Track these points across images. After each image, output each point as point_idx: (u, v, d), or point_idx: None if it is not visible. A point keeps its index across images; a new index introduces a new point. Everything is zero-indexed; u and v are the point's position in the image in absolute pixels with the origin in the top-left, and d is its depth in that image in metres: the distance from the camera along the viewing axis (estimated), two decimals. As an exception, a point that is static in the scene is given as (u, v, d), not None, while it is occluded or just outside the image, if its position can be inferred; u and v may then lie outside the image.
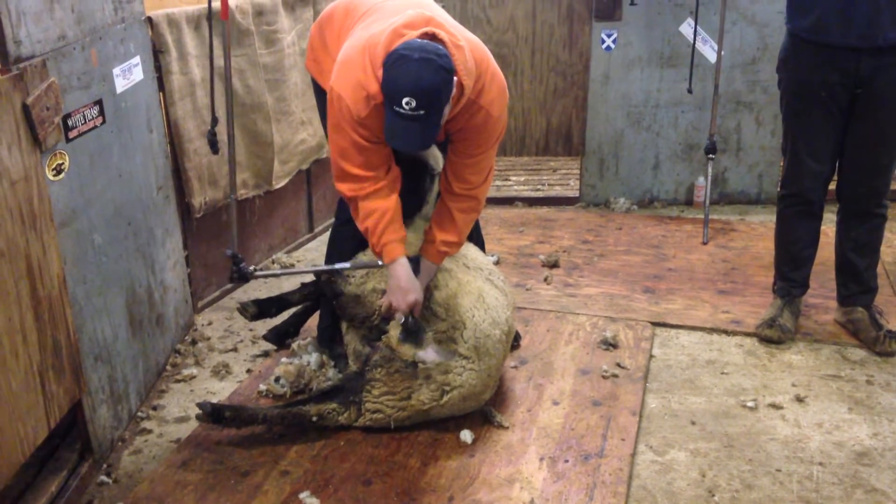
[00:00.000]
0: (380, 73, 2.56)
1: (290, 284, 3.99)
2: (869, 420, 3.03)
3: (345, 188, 2.83)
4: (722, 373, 3.35)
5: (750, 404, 3.13)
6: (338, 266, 3.13)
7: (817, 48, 3.28)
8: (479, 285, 3.07)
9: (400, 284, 2.86)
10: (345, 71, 2.68)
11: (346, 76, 2.67)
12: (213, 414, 2.84)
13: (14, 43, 2.35)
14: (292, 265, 4.45)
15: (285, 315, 3.62)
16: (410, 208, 3.21)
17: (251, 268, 3.30)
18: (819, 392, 3.21)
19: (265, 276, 3.45)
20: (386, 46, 2.56)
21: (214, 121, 3.38)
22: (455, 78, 2.55)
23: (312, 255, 4.60)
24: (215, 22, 3.61)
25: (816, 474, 2.75)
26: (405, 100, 2.44)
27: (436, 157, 3.24)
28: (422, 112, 2.46)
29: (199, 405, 2.85)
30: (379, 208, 2.81)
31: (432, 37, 2.56)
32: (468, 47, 2.64)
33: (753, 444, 2.91)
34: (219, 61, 3.72)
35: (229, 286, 4.15)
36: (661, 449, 2.90)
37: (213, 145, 3.42)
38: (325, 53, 3.05)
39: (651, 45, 4.92)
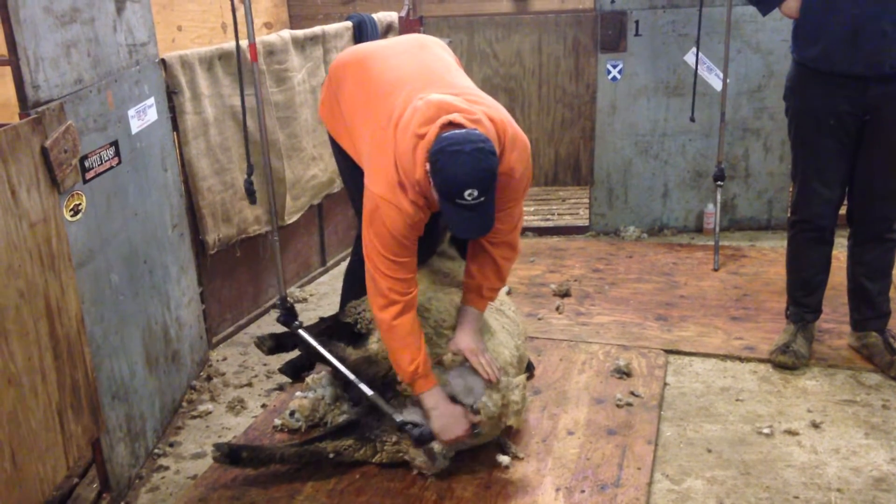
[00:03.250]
0: (415, 177, 2.60)
1: (303, 316, 4.01)
2: (886, 445, 3.02)
3: (389, 294, 2.77)
4: (737, 400, 3.35)
5: (766, 431, 3.12)
6: (366, 390, 2.99)
7: (824, 77, 3.31)
8: (490, 321, 3.08)
9: (445, 414, 2.82)
10: (384, 177, 2.70)
11: (387, 184, 2.68)
12: (230, 455, 2.84)
13: (32, 88, 2.41)
14: (305, 299, 4.48)
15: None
16: (428, 248, 3.23)
17: (298, 321, 3.37)
18: (835, 418, 3.20)
19: (303, 338, 3.35)
20: (412, 150, 2.59)
21: (250, 169, 3.39)
22: None
23: (324, 289, 4.63)
24: (230, 63, 3.69)
25: (834, 501, 2.74)
26: (468, 192, 2.48)
27: None
28: (482, 199, 2.51)
29: (216, 446, 2.85)
30: (414, 335, 2.80)
31: (451, 124, 2.57)
32: (485, 114, 2.65)
33: (770, 471, 2.90)
34: (231, 100, 3.80)
35: (243, 321, 4.19)
36: (678, 477, 2.89)
37: (251, 195, 3.44)
38: (338, 109, 3.10)
39: (657, 74, 4.97)
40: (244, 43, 3.49)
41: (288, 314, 3.37)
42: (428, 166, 2.56)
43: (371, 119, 2.85)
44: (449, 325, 2.99)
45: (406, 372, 2.80)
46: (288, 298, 3.27)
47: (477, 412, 2.84)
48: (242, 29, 3.35)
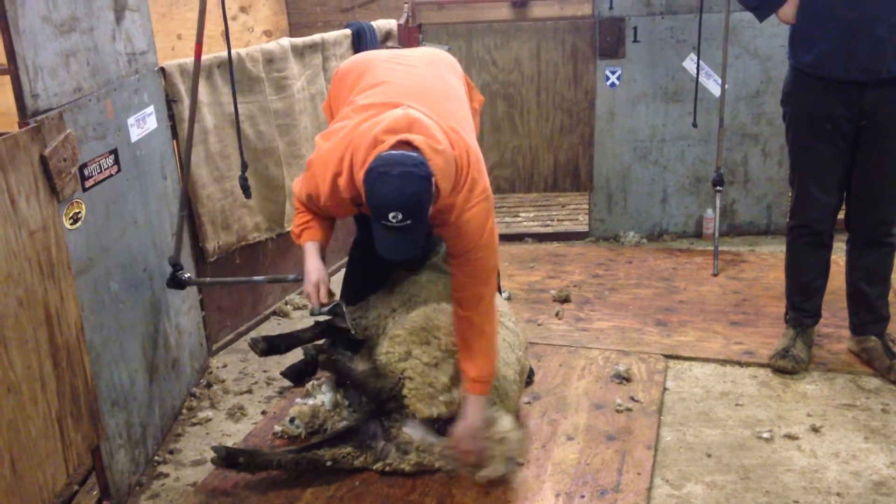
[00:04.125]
0: (358, 175, 2.64)
1: (303, 323, 4.02)
2: (886, 449, 3.02)
3: (301, 199, 3.01)
4: (736, 404, 3.35)
5: (765, 435, 3.12)
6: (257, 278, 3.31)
7: (821, 82, 3.32)
8: None
9: (307, 262, 2.98)
10: (326, 161, 2.79)
11: (325, 165, 2.80)
12: (228, 459, 2.85)
13: (32, 97, 2.42)
14: (305, 306, 4.48)
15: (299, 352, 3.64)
16: (416, 260, 3.25)
17: (187, 275, 3.40)
18: (834, 422, 3.20)
19: (196, 283, 3.57)
20: (366, 150, 2.62)
21: (244, 166, 3.48)
22: (434, 180, 2.58)
23: (325, 295, 4.63)
24: (228, 69, 3.70)
25: (834, 505, 2.74)
26: (391, 214, 2.50)
27: None
28: (408, 222, 2.51)
29: (214, 449, 2.86)
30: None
31: (407, 144, 2.59)
32: (450, 153, 2.65)
33: (770, 475, 2.90)
34: (231, 108, 3.82)
35: (243, 329, 4.19)
36: (678, 482, 2.89)
37: (246, 189, 3.54)
38: (337, 107, 3.13)
39: (655, 80, 4.98)
40: (244, 51, 3.52)
41: (175, 279, 3.37)
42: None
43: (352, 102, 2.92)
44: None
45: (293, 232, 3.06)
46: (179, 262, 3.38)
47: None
48: (241, 37, 3.37)
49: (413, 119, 2.66)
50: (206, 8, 3.23)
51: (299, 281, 3.09)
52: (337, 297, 2.99)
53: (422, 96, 2.84)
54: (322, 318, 3.17)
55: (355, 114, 2.82)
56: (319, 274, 2.91)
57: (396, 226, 2.51)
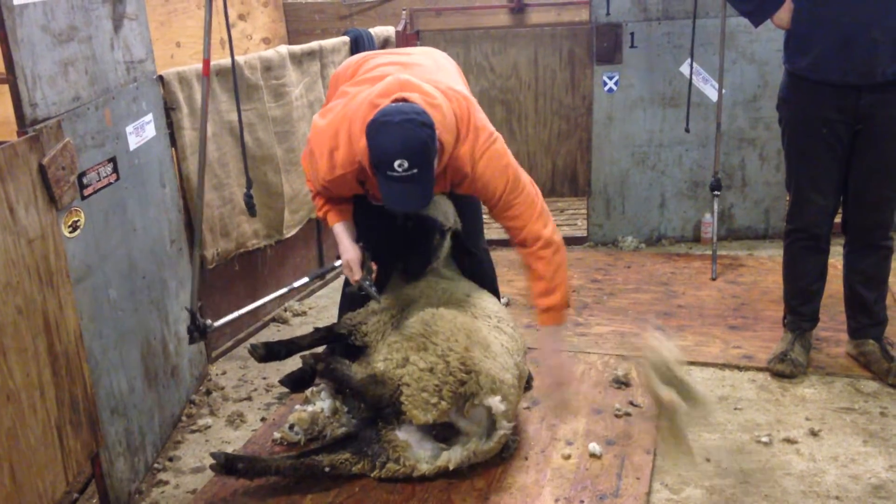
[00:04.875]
0: (359, 145, 2.65)
1: (302, 329, 4.03)
2: (884, 452, 3.02)
3: (309, 179, 3.08)
4: (735, 408, 3.35)
5: (764, 439, 3.12)
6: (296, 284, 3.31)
7: (816, 86, 3.33)
8: (485, 335, 3.08)
9: (340, 243, 3.10)
10: (322, 137, 2.83)
11: (321, 142, 2.83)
12: (227, 465, 2.85)
13: (30, 105, 2.43)
14: (304, 312, 4.49)
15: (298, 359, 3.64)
16: (417, 267, 3.25)
17: (208, 321, 3.41)
18: (833, 425, 3.20)
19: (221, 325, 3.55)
20: (363, 118, 2.65)
21: (249, 183, 3.43)
22: (436, 133, 2.61)
23: (324, 302, 4.64)
24: (228, 79, 3.72)
25: (833, 509, 2.74)
26: (397, 162, 2.50)
27: (445, 212, 3.27)
28: (415, 171, 2.52)
29: (213, 455, 2.86)
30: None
31: (404, 101, 2.63)
32: (447, 105, 2.69)
33: (769, 479, 2.90)
34: (230, 115, 3.83)
35: (242, 335, 4.20)
36: (677, 487, 2.89)
37: (251, 208, 3.49)
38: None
39: (652, 85, 5.00)
40: (242, 58, 3.53)
41: (196, 327, 3.39)
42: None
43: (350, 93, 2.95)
44: (461, 345, 2.93)
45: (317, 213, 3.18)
46: (196, 313, 3.39)
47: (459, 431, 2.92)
48: (240, 44, 3.38)
49: (405, 80, 2.71)
50: (211, 28, 3.24)
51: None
52: (374, 270, 3.14)
53: (413, 69, 2.89)
54: (363, 292, 3.23)
55: (351, 88, 2.87)
56: (349, 254, 3.04)
57: (403, 175, 2.51)
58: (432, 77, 2.88)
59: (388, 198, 2.62)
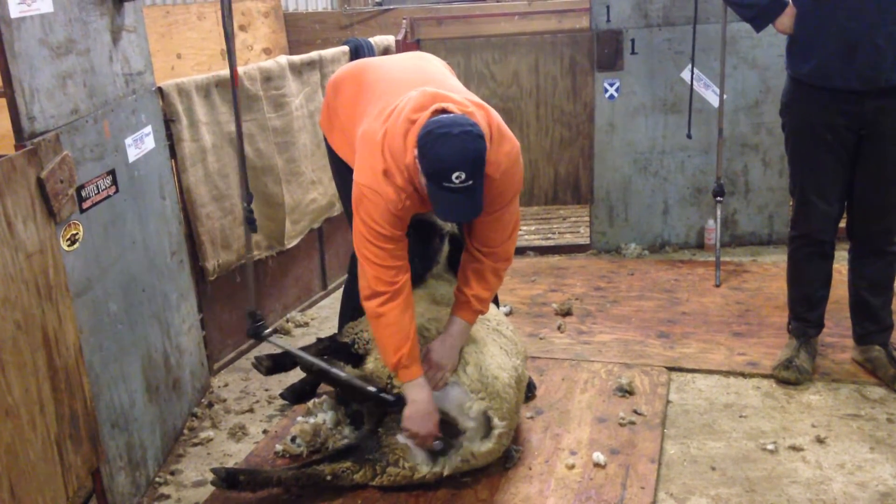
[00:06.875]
0: (404, 162, 2.62)
1: (304, 340, 4.01)
2: (892, 459, 2.99)
3: (374, 284, 2.78)
4: (740, 416, 3.33)
5: (770, 447, 3.10)
6: (339, 373, 3.06)
7: (820, 92, 3.31)
8: (482, 335, 3.09)
9: (420, 408, 2.82)
10: (369, 166, 2.72)
11: (372, 172, 2.70)
12: (228, 479, 2.83)
13: (28, 119, 2.43)
14: (306, 323, 4.48)
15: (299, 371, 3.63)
16: (418, 270, 3.24)
17: (268, 330, 3.32)
18: (839, 432, 3.17)
19: (274, 342, 3.41)
20: (403, 134, 2.63)
21: (250, 197, 3.36)
22: None
23: (326, 312, 4.63)
24: (227, 90, 3.71)
25: (841, 517, 2.72)
26: (455, 174, 2.49)
27: None
28: (470, 182, 2.51)
29: (214, 471, 2.84)
30: (401, 324, 2.78)
31: (443, 112, 2.61)
32: (480, 114, 2.70)
33: (775, 487, 2.88)
34: (229, 126, 3.82)
35: (244, 347, 4.18)
36: (682, 496, 2.87)
37: (252, 223, 3.41)
38: (336, 117, 3.15)
39: (654, 92, 4.98)
40: (242, 69, 3.51)
41: (256, 329, 3.30)
42: (416, 151, 2.58)
43: (365, 116, 2.88)
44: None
45: (390, 361, 2.82)
46: (258, 312, 3.30)
47: (457, 430, 2.88)
48: (240, 55, 3.37)
49: (432, 93, 2.70)
50: (234, 44, 3.18)
51: (392, 403, 2.92)
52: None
53: (424, 81, 2.86)
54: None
55: (375, 123, 2.77)
56: (429, 427, 2.85)
57: (459, 186, 2.50)
58: (446, 84, 2.87)
59: (442, 209, 2.61)
